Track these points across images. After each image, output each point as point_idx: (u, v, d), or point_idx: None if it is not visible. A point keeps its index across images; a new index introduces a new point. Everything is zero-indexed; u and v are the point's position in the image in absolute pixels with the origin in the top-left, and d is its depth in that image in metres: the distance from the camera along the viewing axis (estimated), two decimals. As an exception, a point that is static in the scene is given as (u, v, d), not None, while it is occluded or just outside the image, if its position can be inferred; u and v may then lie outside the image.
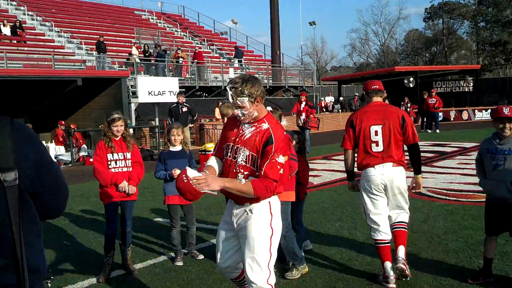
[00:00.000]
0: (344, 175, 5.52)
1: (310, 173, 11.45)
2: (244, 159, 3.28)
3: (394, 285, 4.66)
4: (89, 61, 23.23)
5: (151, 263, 5.77)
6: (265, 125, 3.29)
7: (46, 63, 20.62)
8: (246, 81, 3.27)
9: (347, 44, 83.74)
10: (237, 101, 3.23)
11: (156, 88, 17.68)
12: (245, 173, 3.28)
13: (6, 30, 22.55)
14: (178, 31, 34.89)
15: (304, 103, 15.57)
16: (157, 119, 18.62)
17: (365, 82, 5.16)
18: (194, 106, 14.72)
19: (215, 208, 8.22)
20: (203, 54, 28.46)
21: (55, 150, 15.71)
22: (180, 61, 25.40)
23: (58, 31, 26.27)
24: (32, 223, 1.88)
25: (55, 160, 14.25)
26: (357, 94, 33.95)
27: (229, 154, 3.38)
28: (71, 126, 16.17)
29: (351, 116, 5.00)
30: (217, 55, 33.23)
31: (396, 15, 76.73)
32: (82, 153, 15.28)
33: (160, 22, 35.48)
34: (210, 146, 14.00)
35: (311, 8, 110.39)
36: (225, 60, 32.28)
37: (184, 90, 20.53)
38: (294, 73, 34.41)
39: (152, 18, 35.87)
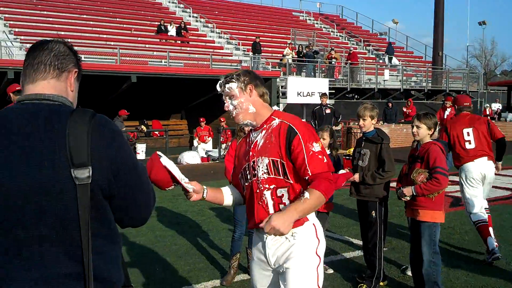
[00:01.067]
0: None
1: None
2: (265, 170, 2.61)
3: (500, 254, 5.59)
4: (245, 62, 23.93)
5: (277, 271, 5.48)
6: (277, 121, 2.65)
7: (205, 63, 21.67)
8: (238, 71, 2.75)
9: (522, 46, 75.70)
10: (225, 88, 2.66)
11: (305, 89, 17.54)
12: (271, 187, 2.60)
13: (172, 31, 24.20)
14: (334, 32, 34.52)
15: (449, 110, 13.18)
16: (304, 120, 18.49)
17: (456, 97, 6.50)
18: (342, 109, 14.22)
19: (352, 217, 7.70)
20: (358, 55, 27.69)
21: (200, 146, 16.28)
22: (332, 62, 24.99)
23: (219, 32, 27.54)
24: (106, 227, 1.69)
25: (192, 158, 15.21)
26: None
27: (249, 177, 2.71)
28: (221, 121, 16.66)
29: (445, 125, 6.27)
30: (373, 56, 32.18)
31: None
32: (229, 150, 15.66)
33: (317, 23, 35.43)
34: (355, 151, 13.38)
35: (481, 7, 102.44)
36: (381, 61, 31.11)
37: (333, 91, 20.10)
38: (457, 77, 31.93)
39: (309, 19, 35.97)
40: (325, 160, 2.54)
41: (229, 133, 16.20)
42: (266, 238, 2.64)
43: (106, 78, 17.16)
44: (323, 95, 14.16)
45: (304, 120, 18.17)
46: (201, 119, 17.08)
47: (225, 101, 2.71)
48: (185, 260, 5.80)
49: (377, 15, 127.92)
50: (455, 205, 8.63)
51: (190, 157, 14.74)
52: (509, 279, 5.13)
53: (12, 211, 1.58)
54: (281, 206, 2.58)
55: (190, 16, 28.88)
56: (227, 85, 2.66)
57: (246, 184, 2.74)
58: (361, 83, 25.98)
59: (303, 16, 36.46)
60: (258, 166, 2.62)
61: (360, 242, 5.75)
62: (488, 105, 30.19)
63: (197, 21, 28.69)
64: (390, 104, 19.16)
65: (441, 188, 4.37)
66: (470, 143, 5.85)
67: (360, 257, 5.76)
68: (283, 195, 2.59)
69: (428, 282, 4.48)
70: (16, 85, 7.69)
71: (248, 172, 2.70)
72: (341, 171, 5.11)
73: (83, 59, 19.57)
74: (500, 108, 30.53)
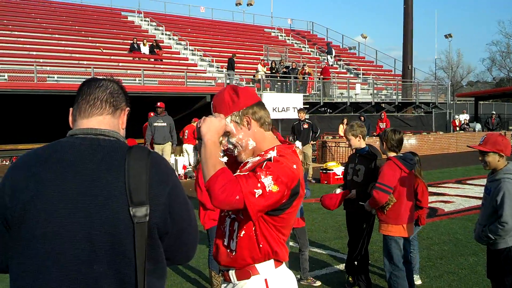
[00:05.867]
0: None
1: (441, 198, 10.68)
2: None
3: None
4: (219, 78, 24.05)
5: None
6: (273, 153, 2.21)
7: (179, 80, 21.71)
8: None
9: (486, 58, 78.15)
10: (214, 115, 2.23)
11: (280, 105, 17.73)
12: (232, 216, 2.24)
13: (145, 49, 24.20)
14: (306, 47, 35.01)
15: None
16: (279, 132, 18.70)
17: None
18: (316, 123, 14.39)
19: (333, 231, 7.81)
20: (330, 70, 28.13)
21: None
22: (305, 78, 25.33)
23: (192, 50, 27.64)
24: (157, 264, 1.70)
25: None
26: (494, 112, 31.21)
27: None
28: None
29: None
30: (344, 70, 32.72)
31: (544, 26, 69.81)
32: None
33: (288, 39, 35.89)
34: (332, 165, 13.57)
35: (447, 20, 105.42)
36: (352, 75, 31.66)
37: (307, 106, 20.38)
38: (426, 89, 32.68)
39: (281, 35, 36.42)
40: (258, 192, 2.01)
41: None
42: (222, 286, 2.37)
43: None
44: (300, 110, 14.33)
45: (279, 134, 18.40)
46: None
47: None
48: (172, 281, 5.80)
49: (347, 30, 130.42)
50: (432, 216, 8.83)
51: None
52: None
53: (67, 248, 1.56)
54: (231, 242, 2.22)
55: (162, 34, 28.95)
56: (215, 114, 2.23)
57: None
58: (334, 98, 26.38)
59: (275, 32, 36.90)
60: None
61: (343, 256, 5.85)
62: (457, 116, 30.94)
63: (170, 38, 28.76)
64: (362, 118, 19.50)
65: (376, 204, 4.49)
66: None
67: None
68: (235, 230, 2.23)
69: None
70: None
71: None
72: (338, 190, 5.21)
73: (55, 79, 19.51)
74: (468, 118, 31.32)
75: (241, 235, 2.18)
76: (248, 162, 2.29)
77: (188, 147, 14.86)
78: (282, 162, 2.13)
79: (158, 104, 13.50)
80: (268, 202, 2.04)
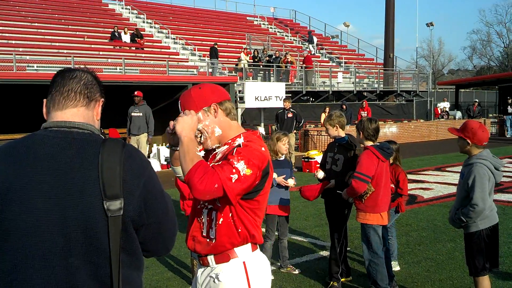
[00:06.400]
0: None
1: (420, 185, 10.83)
2: None
3: None
4: (201, 67, 23.93)
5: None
6: (240, 140, 2.35)
7: (161, 69, 21.55)
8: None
9: (467, 46, 78.85)
10: (184, 113, 2.32)
11: (262, 94, 17.70)
12: (209, 207, 2.33)
13: (126, 38, 23.93)
14: (288, 36, 34.95)
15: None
16: (262, 124, 18.68)
17: None
18: (298, 111, 14.44)
19: (314, 219, 7.89)
20: (312, 59, 28.15)
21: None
22: (287, 66, 25.34)
23: (174, 38, 27.42)
24: (133, 256, 1.71)
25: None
26: (477, 100, 31.58)
27: None
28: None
29: None
30: (327, 59, 32.78)
31: (524, 14, 70.73)
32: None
33: (271, 27, 35.77)
34: (314, 153, 13.66)
35: (429, 9, 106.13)
36: (334, 64, 31.74)
37: (290, 95, 20.39)
38: (407, 77, 32.92)
39: (263, 24, 36.28)
40: (234, 177, 2.14)
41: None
42: (199, 271, 2.43)
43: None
44: (286, 99, 14.40)
45: (262, 123, 18.30)
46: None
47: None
48: (154, 270, 5.82)
49: (330, 18, 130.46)
50: (411, 203, 8.96)
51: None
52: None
53: (43, 241, 1.57)
54: (210, 231, 2.32)
55: (144, 22, 28.64)
56: (186, 110, 2.35)
57: None
58: (316, 86, 26.44)
59: (257, 20, 36.74)
60: None
61: (324, 243, 5.92)
62: (440, 105, 31.23)
63: (151, 27, 28.48)
64: (344, 107, 19.61)
65: (355, 193, 4.52)
66: None
67: (326, 258, 5.92)
68: (213, 219, 2.33)
69: (370, 279, 4.70)
70: None
71: None
72: (321, 174, 5.19)
73: (35, 68, 19.22)
74: (448, 106, 31.63)
75: (220, 223, 2.29)
76: (217, 153, 2.42)
77: None
78: (250, 146, 2.29)
79: (136, 93, 12.83)
80: (244, 185, 2.18)
